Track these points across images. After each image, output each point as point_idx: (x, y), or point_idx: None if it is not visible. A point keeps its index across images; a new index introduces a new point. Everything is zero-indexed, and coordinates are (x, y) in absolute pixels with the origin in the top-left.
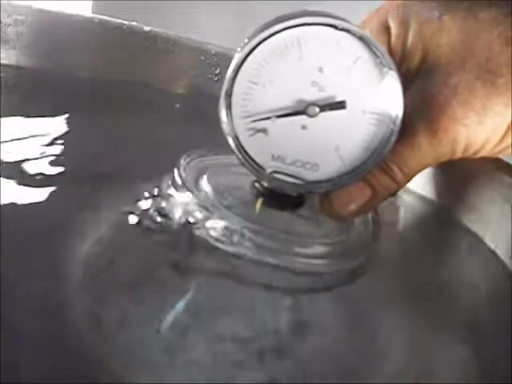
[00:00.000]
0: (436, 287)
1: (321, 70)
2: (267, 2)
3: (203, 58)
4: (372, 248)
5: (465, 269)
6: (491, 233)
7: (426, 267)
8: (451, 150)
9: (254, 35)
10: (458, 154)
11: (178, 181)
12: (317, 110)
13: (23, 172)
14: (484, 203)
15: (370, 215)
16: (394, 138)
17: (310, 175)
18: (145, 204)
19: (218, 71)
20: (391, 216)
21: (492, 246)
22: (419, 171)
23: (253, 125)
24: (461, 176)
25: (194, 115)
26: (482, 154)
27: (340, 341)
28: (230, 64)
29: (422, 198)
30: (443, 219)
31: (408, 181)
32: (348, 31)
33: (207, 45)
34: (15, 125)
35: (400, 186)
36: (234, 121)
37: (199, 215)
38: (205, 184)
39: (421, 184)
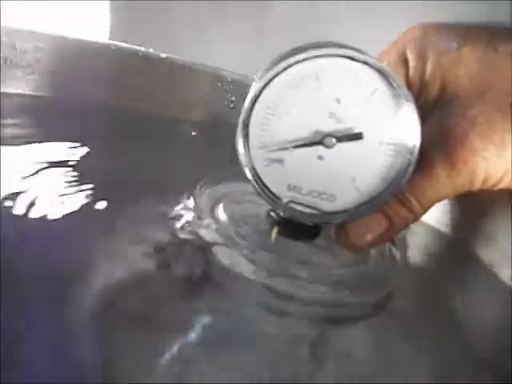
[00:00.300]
0: (451, 323)
1: (338, 101)
2: (283, 29)
3: (219, 85)
4: (388, 281)
5: (481, 303)
6: (507, 265)
7: (442, 301)
8: (470, 182)
9: (272, 66)
10: (477, 186)
11: (195, 210)
12: (334, 141)
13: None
14: (500, 234)
15: (386, 246)
16: (411, 169)
17: (327, 206)
18: (162, 234)
19: (233, 98)
20: (407, 247)
21: (507, 279)
22: (437, 202)
23: (269, 155)
24: (477, 206)
25: (210, 142)
26: (501, 186)
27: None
28: (245, 91)
29: (437, 229)
30: (459, 250)
31: (425, 212)
32: (366, 63)
33: (223, 71)
34: (31, 151)
35: (417, 217)
36: (251, 151)
37: (215, 245)
38: (221, 213)
39: (436, 215)
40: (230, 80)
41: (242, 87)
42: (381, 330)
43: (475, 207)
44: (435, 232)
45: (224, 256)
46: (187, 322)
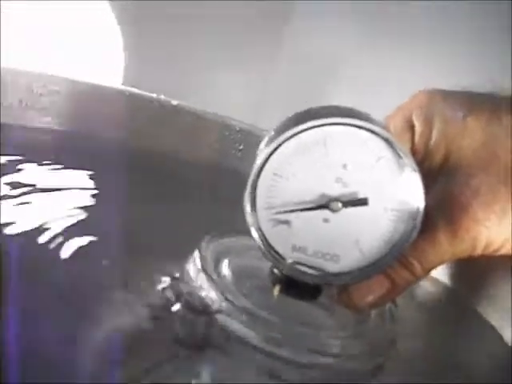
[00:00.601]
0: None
1: (345, 166)
2: (296, 79)
3: (227, 134)
4: (388, 345)
5: (483, 364)
6: (507, 325)
7: (442, 361)
8: (471, 248)
9: (280, 131)
10: (478, 252)
11: (199, 265)
12: (340, 205)
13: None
14: (501, 295)
15: (387, 306)
16: (414, 234)
17: (331, 267)
18: (164, 291)
19: (241, 147)
20: (408, 305)
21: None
22: (438, 265)
23: (276, 216)
24: (479, 264)
25: (217, 191)
26: (502, 252)
27: None
28: (253, 140)
29: (439, 284)
30: (459, 306)
31: (427, 274)
32: (372, 132)
33: (231, 120)
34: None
35: (418, 279)
36: (258, 212)
37: (217, 303)
38: (225, 268)
39: (438, 269)
40: (238, 129)
41: (249, 136)
42: None
43: (478, 264)
44: (437, 283)
45: (225, 320)
46: None
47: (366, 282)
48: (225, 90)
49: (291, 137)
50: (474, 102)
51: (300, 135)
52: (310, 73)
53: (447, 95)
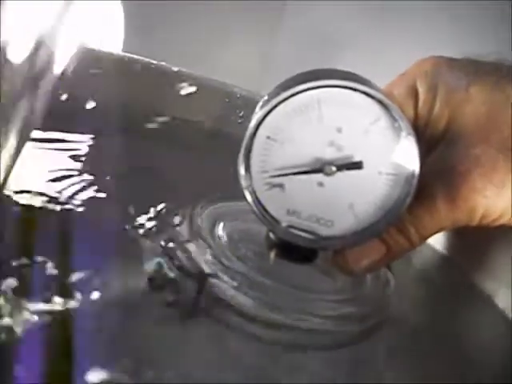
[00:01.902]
0: (444, 348)
1: (339, 130)
2: (293, 48)
3: (227, 100)
4: (383, 307)
5: (478, 331)
6: (502, 293)
7: (435, 325)
8: (469, 218)
9: (275, 93)
10: (475, 222)
11: (194, 228)
12: (334, 169)
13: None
14: (498, 265)
15: (382, 271)
16: (409, 200)
17: (324, 231)
18: (160, 253)
19: (241, 114)
20: (403, 269)
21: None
22: (435, 233)
23: (270, 180)
24: (476, 236)
25: (217, 156)
26: (499, 223)
27: None
28: (253, 108)
29: (436, 252)
30: (454, 274)
31: (423, 242)
32: (367, 94)
33: (232, 87)
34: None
35: (414, 246)
36: (252, 175)
37: (212, 267)
38: (220, 232)
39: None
40: (238, 96)
41: (250, 103)
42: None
43: (474, 234)
44: (433, 252)
45: (218, 285)
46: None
47: (362, 247)
48: (225, 59)
49: (285, 99)
50: (478, 71)
51: (294, 98)
52: (310, 43)
53: (452, 63)
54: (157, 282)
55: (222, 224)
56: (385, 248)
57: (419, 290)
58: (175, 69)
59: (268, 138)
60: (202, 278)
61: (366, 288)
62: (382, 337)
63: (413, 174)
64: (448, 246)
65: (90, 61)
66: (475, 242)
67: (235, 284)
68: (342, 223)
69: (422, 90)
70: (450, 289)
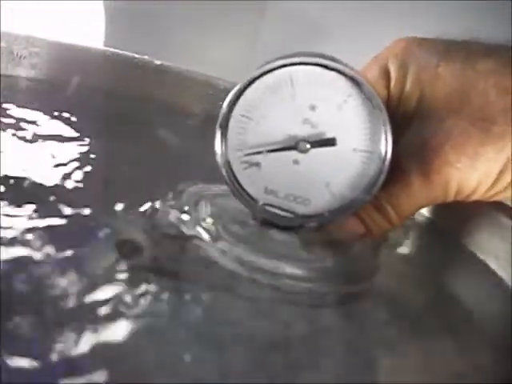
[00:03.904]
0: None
1: (312, 107)
2: (280, 39)
3: (211, 93)
4: (370, 273)
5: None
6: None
7: (423, 290)
8: (444, 192)
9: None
10: (451, 196)
11: (176, 205)
12: (307, 145)
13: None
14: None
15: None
16: (383, 177)
17: (301, 209)
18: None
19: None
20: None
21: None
22: (413, 212)
23: (246, 158)
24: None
25: (198, 148)
26: (475, 197)
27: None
28: None
29: (423, 216)
30: (444, 239)
31: (402, 221)
32: (339, 71)
33: (216, 80)
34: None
35: (393, 225)
36: (228, 153)
37: (197, 236)
38: (203, 206)
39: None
40: (222, 88)
41: None
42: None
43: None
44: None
45: (201, 248)
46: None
47: (342, 227)
48: (209, 51)
49: (258, 77)
50: (449, 49)
51: (267, 76)
52: (294, 33)
53: (423, 42)
54: (124, 248)
55: (205, 199)
56: (364, 227)
57: (407, 253)
58: (158, 62)
59: (243, 116)
60: (183, 238)
61: (354, 252)
62: (369, 299)
63: (386, 151)
64: (435, 215)
65: (70, 56)
66: (463, 213)
67: (217, 246)
68: (319, 201)
69: (393, 69)
70: (439, 252)
